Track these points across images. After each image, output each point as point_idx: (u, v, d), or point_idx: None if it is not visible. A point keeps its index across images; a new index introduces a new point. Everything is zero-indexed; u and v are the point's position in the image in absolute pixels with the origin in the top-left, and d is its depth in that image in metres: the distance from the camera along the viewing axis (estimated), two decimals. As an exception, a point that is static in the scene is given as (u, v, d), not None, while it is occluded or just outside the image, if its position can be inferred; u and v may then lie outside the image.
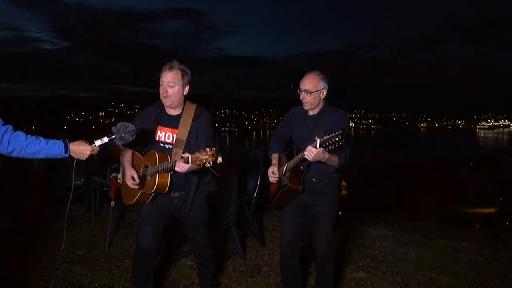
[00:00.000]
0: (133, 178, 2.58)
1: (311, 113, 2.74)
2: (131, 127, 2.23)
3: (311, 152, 2.31)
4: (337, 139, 2.22)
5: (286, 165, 2.71)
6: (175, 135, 2.63)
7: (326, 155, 2.36)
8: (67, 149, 2.11)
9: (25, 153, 2.05)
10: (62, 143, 2.11)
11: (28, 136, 2.06)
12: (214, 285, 3.14)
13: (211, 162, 2.16)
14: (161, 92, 2.58)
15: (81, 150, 2.14)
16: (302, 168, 2.59)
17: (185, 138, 2.60)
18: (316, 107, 2.70)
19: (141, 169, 2.65)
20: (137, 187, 2.60)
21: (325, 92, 2.66)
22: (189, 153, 2.49)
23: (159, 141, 2.67)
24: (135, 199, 2.65)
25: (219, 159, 2.15)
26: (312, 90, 2.61)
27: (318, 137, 2.27)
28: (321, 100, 2.68)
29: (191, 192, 2.67)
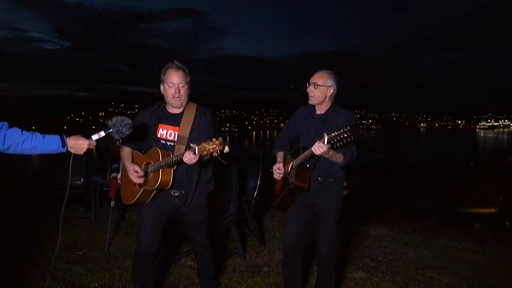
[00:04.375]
0: (136, 172, 2.57)
1: (318, 112, 2.74)
2: (127, 120, 2.23)
3: (320, 148, 2.31)
4: (345, 135, 2.22)
5: (291, 163, 2.71)
6: (176, 133, 2.64)
7: (331, 151, 2.37)
8: (64, 144, 2.10)
9: (21, 149, 2.04)
10: (59, 137, 2.10)
11: (24, 131, 2.05)
12: (214, 285, 3.14)
13: (218, 151, 2.18)
14: (171, 93, 2.58)
15: (78, 144, 2.12)
16: (308, 165, 2.60)
17: (187, 135, 2.61)
18: (322, 103, 2.70)
19: (142, 167, 2.65)
20: (141, 180, 2.59)
21: (332, 90, 2.67)
22: None
23: (160, 139, 2.67)
24: (136, 198, 2.64)
25: (226, 148, 2.17)
26: (320, 84, 2.63)
27: (327, 133, 2.28)
28: (328, 97, 2.69)
29: (191, 190, 2.67)
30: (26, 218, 4.75)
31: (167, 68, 2.60)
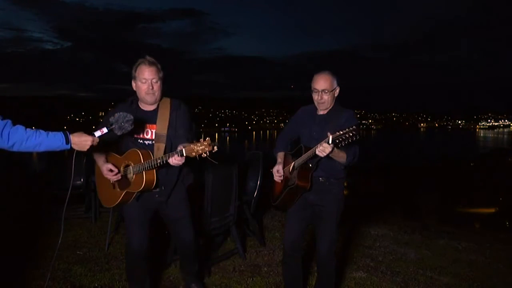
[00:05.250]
0: (110, 170, 2.50)
1: (320, 112, 2.74)
2: (129, 116, 2.23)
3: (324, 149, 2.29)
4: (350, 134, 2.20)
5: (293, 163, 2.70)
6: (154, 131, 2.59)
7: (335, 149, 2.36)
8: (68, 141, 2.10)
9: (26, 147, 2.05)
10: (63, 134, 2.10)
11: (28, 129, 2.06)
12: (199, 280, 3.09)
13: (207, 152, 2.16)
14: (144, 89, 2.52)
15: (82, 141, 2.13)
16: (310, 165, 2.59)
17: (165, 132, 2.57)
18: (330, 105, 2.70)
19: (121, 169, 2.57)
20: (118, 177, 2.52)
21: (338, 90, 2.68)
22: (170, 146, 2.49)
23: (138, 138, 2.61)
24: (119, 200, 2.56)
25: (215, 148, 2.16)
26: (330, 89, 2.62)
27: (331, 133, 2.27)
28: (335, 98, 2.69)
29: (171, 186, 2.65)
30: (27, 218, 4.75)
31: (139, 64, 2.53)
